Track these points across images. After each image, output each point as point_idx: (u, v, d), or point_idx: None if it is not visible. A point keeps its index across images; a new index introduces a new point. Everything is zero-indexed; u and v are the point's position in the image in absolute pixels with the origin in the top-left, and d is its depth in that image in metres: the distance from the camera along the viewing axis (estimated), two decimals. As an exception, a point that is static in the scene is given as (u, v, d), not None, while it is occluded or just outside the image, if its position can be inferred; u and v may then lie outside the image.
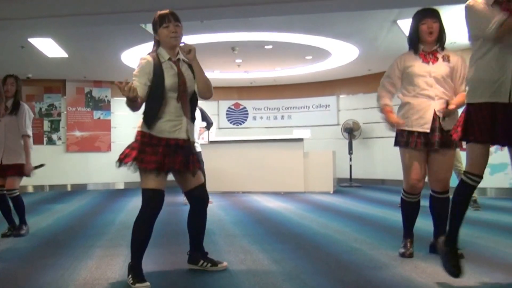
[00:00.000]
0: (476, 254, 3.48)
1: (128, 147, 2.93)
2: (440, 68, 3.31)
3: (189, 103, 3.00)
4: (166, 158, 2.86)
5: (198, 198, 3.12)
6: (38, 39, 7.06)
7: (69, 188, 10.37)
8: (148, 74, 2.83)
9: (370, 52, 8.23)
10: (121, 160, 2.89)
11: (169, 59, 2.93)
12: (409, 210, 3.49)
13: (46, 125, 10.35)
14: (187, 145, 2.96)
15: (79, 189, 10.24)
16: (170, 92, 2.88)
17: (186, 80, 2.93)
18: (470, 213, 5.55)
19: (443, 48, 3.39)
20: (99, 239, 4.36)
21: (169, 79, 2.86)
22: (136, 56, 8.44)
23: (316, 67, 9.88)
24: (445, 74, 3.30)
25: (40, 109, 10.28)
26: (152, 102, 2.86)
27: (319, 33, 7.34)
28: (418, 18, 3.38)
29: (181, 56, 2.97)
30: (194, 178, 3.06)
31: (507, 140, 2.59)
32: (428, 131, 3.27)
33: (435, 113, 3.27)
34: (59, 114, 10.47)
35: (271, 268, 3.19)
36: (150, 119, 2.87)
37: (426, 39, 3.34)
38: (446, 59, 3.34)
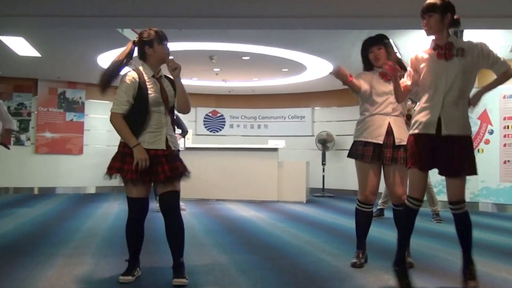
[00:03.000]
0: (438, 266, 3.59)
1: (112, 158, 3.12)
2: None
3: (169, 115, 3.19)
4: (137, 167, 3.03)
5: (164, 205, 3.15)
6: (9, 37, 6.85)
7: (36, 191, 10.04)
8: (133, 91, 3.05)
9: (344, 68, 8.36)
10: (108, 173, 3.08)
11: (153, 75, 3.14)
12: (362, 220, 3.65)
13: (15, 125, 10.10)
14: (168, 154, 3.10)
15: (47, 193, 9.91)
16: (152, 107, 3.07)
17: (168, 96, 3.14)
18: (432, 225, 5.74)
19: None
20: (62, 247, 4.19)
21: (153, 95, 3.06)
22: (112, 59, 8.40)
23: (292, 79, 10.00)
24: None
25: (9, 107, 10.01)
26: (136, 115, 3.04)
27: (295, 48, 7.48)
28: (364, 48, 3.66)
29: (162, 73, 3.19)
30: (168, 184, 3.10)
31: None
32: (381, 142, 3.45)
33: (389, 127, 3.46)
34: (29, 114, 10.20)
35: (238, 279, 3.22)
36: (133, 131, 3.04)
37: (376, 65, 3.60)
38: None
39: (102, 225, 5.71)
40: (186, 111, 3.18)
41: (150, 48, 3.11)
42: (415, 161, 2.86)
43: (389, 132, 3.45)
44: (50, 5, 4.99)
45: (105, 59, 8.28)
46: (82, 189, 10.38)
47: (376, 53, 3.57)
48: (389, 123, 3.46)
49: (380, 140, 3.46)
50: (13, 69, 9.09)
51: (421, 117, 2.89)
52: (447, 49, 2.85)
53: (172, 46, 7.26)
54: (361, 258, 3.58)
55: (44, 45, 7.35)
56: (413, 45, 6.71)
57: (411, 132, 2.94)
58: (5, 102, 9.86)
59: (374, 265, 3.61)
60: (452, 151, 2.80)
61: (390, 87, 3.44)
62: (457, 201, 2.85)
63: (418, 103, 3.02)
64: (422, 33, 4.95)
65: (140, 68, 3.16)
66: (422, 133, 2.85)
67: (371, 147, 3.47)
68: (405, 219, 2.93)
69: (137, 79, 3.06)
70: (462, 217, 2.86)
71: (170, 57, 3.14)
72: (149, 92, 3.04)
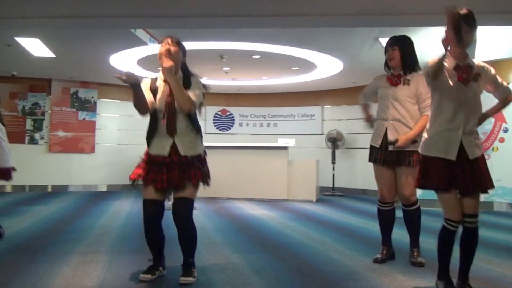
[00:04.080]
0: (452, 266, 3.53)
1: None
2: (399, 91, 3.58)
3: (184, 119, 3.06)
4: (150, 173, 3.06)
5: (173, 212, 3.09)
6: (25, 39, 6.96)
7: (49, 189, 10.14)
8: (147, 93, 3.07)
9: (354, 66, 8.33)
10: (130, 178, 3.18)
11: (164, 80, 3.09)
12: (382, 218, 3.77)
13: (29, 124, 10.16)
14: (178, 160, 3.04)
15: (60, 191, 10.02)
16: (159, 113, 3.05)
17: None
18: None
19: (410, 72, 3.61)
20: (77, 245, 4.23)
21: (160, 100, 3.05)
22: (125, 59, 8.40)
23: (302, 78, 9.94)
24: (403, 96, 3.56)
25: (24, 107, 10.11)
26: (150, 121, 3.11)
27: (305, 46, 7.42)
28: (385, 48, 3.74)
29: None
30: (178, 190, 3.08)
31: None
32: (378, 146, 3.63)
33: (386, 133, 3.59)
34: (43, 113, 10.28)
35: (251, 278, 3.19)
36: (147, 137, 3.13)
37: (391, 65, 3.66)
38: (406, 82, 3.59)
39: (114, 223, 5.72)
40: (184, 109, 3.00)
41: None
42: (439, 185, 2.73)
43: (385, 136, 3.61)
44: (64, 7, 5.02)
45: (117, 59, 8.30)
46: (94, 187, 10.42)
47: (390, 54, 3.65)
48: (386, 129, 3.59)
49: (377, 144, 3.66)
50: (28, 69, 9.19)
51: (439, 140, 2.74)
52: (466, 73, 2.72)
53: (185, 45, 7.34)
54: (384, 254, 3.67)
55: (58, 46, 7.40)
56: (425, 43, 6.63)
57: (426, 153, 2.78)
58: (21, 101, 9.93)
59: (389, 265, 3.55)
60: (477, 171, 2.71)
61: (392, 91, 3.57)
62: (473, 214, 2.73)
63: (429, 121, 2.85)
64: (434, 30, 4.89)
65: (158, 74, 3.14)
66: (441, 158, 2.72)
67: (375, 150, 3.68)
68: (443, 240, 2.81)
69: (148, 85, 3.12)
70: (474, 231, 2.75)
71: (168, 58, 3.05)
72: (157, 98, 3.06)
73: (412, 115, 3.55)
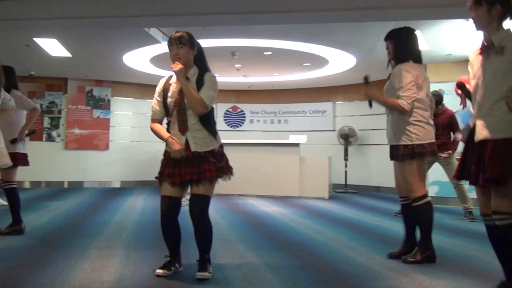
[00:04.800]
0: (472, 266, 3.45)
1: None
2: (385, 86, 3.66)
3: (194, 116, 3.06)
4: (166, 169, 3.08)
5: (189, 209, 3.09)
6: (43, 39, 7.03)
7: (65, 185, 10.25)
8: (161, 98, 3.17)
9: (367, 61, 8.21)
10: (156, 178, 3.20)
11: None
12: (402, 212, 3.77)
13: (46, 122, 10.25)
14: (192, 156, 3.05)
15: (75, 187, 10.11)
16: (172, 111, 3.09)
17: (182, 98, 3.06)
18: (465, 224, 5.55)
19: (398, 63, 3.58)
20: (95, 240, 4.27)
21: (170, 98, 3.09)
22: (138, 58, 8.41)
23: (314, 74, 9.85)
24: (385, 91, 3.65)
25: (41, 106, 10.17)
26: (166, 119, 3.17)
27: (317, 42, 7.33)
28: None
29: (189, 75, 3.11)
30: (193, 186, 3.09)
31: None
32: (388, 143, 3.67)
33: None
34: (59, 112, 10.38)
35: (267, 276, 3.14)
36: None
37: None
38: (389, 76, 3.64)
39: (129, 218, 5.73)
40: (196, 111, 3.02)
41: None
42: (457, 174, 2.65)
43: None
44: (81, 8, 5.10)
45: (131, 58, 8.30)
46: (108, 184, 10.46)
47: (387, 48, 3.67)
48: (387, 123, 3.64)
49: (388, 140, 3.67)
50: (45, 69, 9.29)
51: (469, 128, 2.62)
52: (486, 46, 2.50)
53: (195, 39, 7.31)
54: (399, 250, 3.63)
55: (74, 46, 7.47)
56: (443, 36, 6.51)
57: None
58: (38, 100, 9.99)
59: (407, 264, 3.45)
60: (484, 158, 2.43)
61: (388, 86, 3.58)
62: (494, 211, 2.47)
63: None
64: (452, 23, 4.78)
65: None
66: (466, 145, 2.58)
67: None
68: (489, 237, 2.57)
69: (161, 85, 3.20)
70: (497, 230, 2.48)
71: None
72: (169, 95, 3.10)
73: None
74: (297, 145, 8.72)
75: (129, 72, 9.47)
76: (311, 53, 8.02)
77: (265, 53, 8.00)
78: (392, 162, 3.69)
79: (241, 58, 8.31)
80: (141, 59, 8.48)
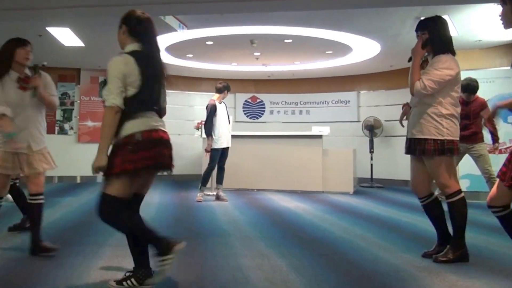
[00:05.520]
0: (509, 265, 3.39)
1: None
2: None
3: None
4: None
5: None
6: (55, 28, 7.10)
7: (78, 180, 10.37)
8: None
9: (392, 48, 8.11)
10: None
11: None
12: (427, 213, 3.70)
13: (59, 114, 10.35)
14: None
15: (88, 181, 10.19)
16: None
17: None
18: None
19: (433, 56, 3.52)
20: (109, 237, 4.26)
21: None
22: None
23: (337, 62, 9.78)
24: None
25: (54, 97, 10.33)
26: None
27: (340, 29, 7.27)
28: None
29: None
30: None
31: None
32: (408, 136, 3.64)
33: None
34: (72, 104, 10.47)
35: (290, 276, 3.13)
36: None
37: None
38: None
39: (144, 215, 5.67)
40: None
41: None
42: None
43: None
44: None
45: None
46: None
47: (420, 37, 3.58)
48: (409, 116, 3.64)
49: (407, 133, 3.66)
50: (58, 59, 9.37)
51: None
52: None
53: (214, 31, 7.31)
54: (432, 250, 3.60)
55: (87, 35, 7.55)
56: (472, 21, 6.39)
57: None
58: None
59: (439, 264, 3.41)
60: None
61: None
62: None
63: None
64: (481, 8, 4.67)
65: None
66: None
67: (407, 139, 3.65)
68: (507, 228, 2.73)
69: None
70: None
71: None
72: None
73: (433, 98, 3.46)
74: (319, 137, 8.66)
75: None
76: (333, 40, 7.95)
77: (285, 40, 7.95)
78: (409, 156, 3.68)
79: (260, 46, 8.28)
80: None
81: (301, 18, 6.64)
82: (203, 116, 7.42)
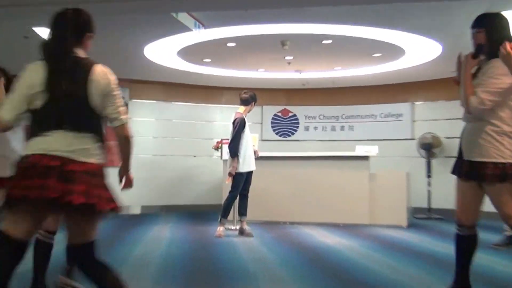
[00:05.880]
0: None
1: None
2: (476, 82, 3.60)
3: None
4: None
5: None
6: (44, 29, 7.25)
7: (74, 212, 10.49)
8: None
9: (456, 50, 8.05)
10: None
11: None
12: (456, 244, 3.78)
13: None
14: None
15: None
16: None
17: None
18: None
19: (489, 59, 3.56)
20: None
21: None
22: (163, 50, 8.56)
23: (386, 67, 9.81)
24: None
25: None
26: None
27: (390, 26, 7.29)
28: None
29: None
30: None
31: None
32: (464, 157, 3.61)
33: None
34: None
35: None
36: None
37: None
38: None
39: (153, 253, 5.85)
40: None
41: None
42: None
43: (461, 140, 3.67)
44: None
45: (153, 50, 8.47)
46: (125, 209, 10.66)
47: (474, 37, 3.69)
48: (462, 134, 3.66)
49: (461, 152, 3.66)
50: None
51: None
52: None
53: (236, 31, 7.43)
54: None
55: None
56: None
57: None
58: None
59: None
60: None
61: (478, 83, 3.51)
62: None
63: None
64: None
65: None
66: None
67: (460, 159, 3.65)
68: None
69: None
70: None
71: None
72: None
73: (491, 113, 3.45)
74: (365, 158, 8.69)
75: (151, 68, 9.71)
76: (382, 41, 7.99)
77: (323, 41, 8.02)
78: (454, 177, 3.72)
79: (293, 49, 8.35)
80: (166, 51, 8.68)
81: (342, 14, 6.66)
82: (223, 133, 7.52)
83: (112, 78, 2.83)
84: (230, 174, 7.05)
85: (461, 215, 3.66)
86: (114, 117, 2.80)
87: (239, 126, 7.08)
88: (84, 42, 2.92)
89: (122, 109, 2.82)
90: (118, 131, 2.86)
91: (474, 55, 3.50)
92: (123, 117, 2.83)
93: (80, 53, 2.85)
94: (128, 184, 3.11)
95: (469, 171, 3.52)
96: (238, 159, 7.03)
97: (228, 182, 7.23)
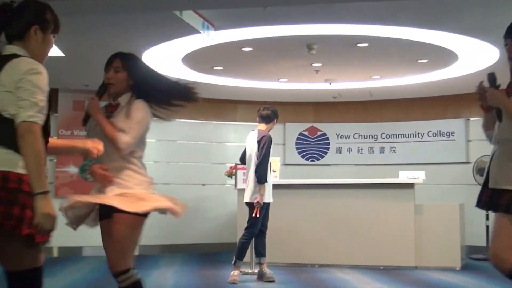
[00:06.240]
0: None
1: None
2: None
3: None
4: None
5: None
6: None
7: (55, 253, 10.36)
8: None
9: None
10: None
11: None
12: None
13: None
14: None
15: (70, 255, 10.16)
16: None
17: None
18: None
19: None
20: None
21: None
22: (165, 57, 8.64)
23: (435, 75, 9.85)
24: None
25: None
26: None
27: (439, 27, 7.31)
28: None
29: None
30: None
31: None
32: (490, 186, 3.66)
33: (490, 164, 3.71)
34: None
35: None
36: None
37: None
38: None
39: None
40: None
41: None
42: None
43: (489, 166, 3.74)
44: None
45: (153, 57, 8.56)
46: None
47: (509, 47, 3.71)
48: (491, 158, 3.72)
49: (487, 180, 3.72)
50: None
51: None
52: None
53: (253, 33, 7.50)
54: None
55: (69, 41, 7.49)
56: None
57: None
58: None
59: None
60: None
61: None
62: None
63: None
64: None
65: None
66: None
67: (485, 188, 3.71)
68: None
69: None
70: None
71: None
72: None
73: None
74: (410, 186, 8.69)
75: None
76: (429, 44, 8.02)
77: (358, 45, 8.07)
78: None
79: (322, 54, 8.39)
80: (169, 57, 8.79)
81: (380, 11, 6.73)
82: (238, 157, 7.54)
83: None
84: (257, 203, 6.92)
85: (495, 257, 3.75)
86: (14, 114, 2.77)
87: (268, 145, 7.06)
88: None
89: (24, 103, 2.79)
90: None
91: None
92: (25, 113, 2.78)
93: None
94: (42, 217, 2.75)
95: (493, 200, 3.60)
96: (265, 187, 6.98)
97: (256, 215, 7.00)
